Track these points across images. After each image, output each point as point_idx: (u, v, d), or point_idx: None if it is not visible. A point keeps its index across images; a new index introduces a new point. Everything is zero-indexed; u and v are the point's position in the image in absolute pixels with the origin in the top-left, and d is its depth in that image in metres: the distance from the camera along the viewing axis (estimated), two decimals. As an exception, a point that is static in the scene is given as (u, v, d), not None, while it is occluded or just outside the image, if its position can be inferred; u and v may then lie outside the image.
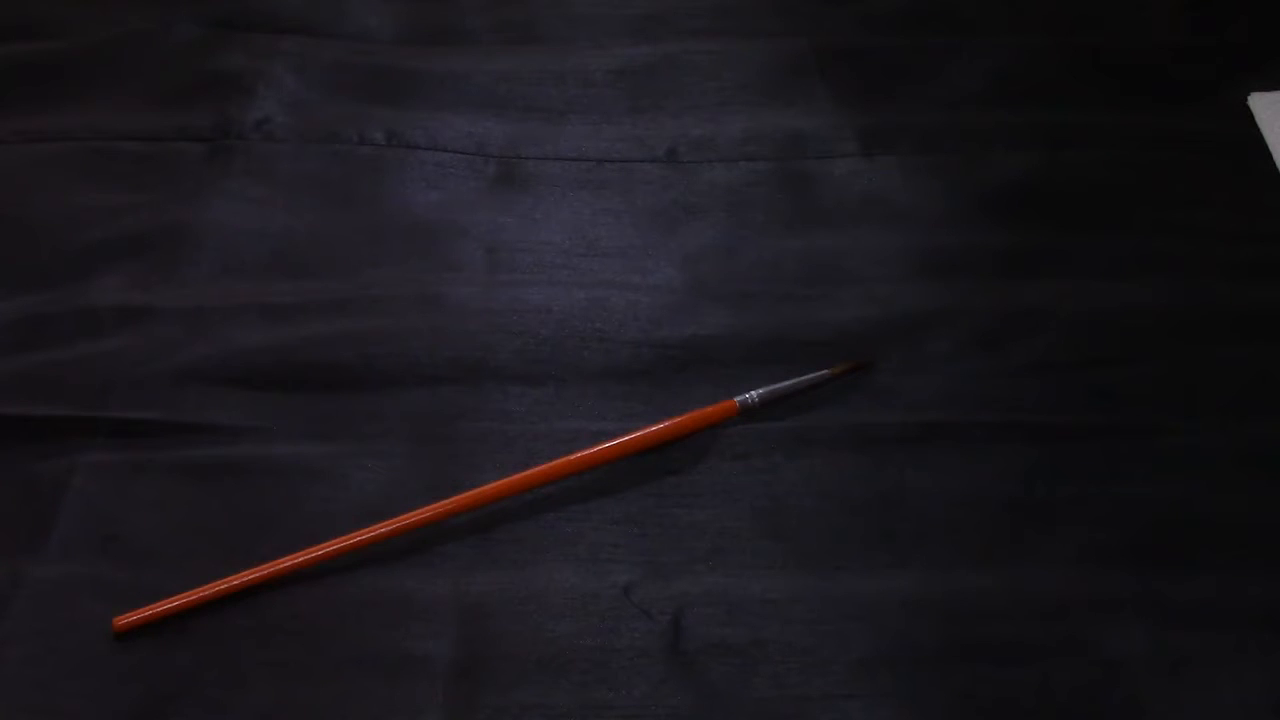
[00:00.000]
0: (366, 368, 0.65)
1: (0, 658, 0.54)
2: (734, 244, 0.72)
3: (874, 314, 0.68)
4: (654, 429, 0.62)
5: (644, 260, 0.71)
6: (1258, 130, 0.76)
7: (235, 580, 0.56)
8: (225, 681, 0.54)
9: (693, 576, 0.57)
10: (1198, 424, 0.62)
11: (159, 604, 0.55)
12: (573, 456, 0.61)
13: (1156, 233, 0.71)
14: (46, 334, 0.66)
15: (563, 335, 0.66)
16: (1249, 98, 0.78)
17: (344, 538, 0.57)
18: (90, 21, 0.84)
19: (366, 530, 0.58)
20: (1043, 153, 0.76)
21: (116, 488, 0.60)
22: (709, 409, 0.63)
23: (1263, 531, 0.59)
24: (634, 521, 0.59)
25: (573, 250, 0.71)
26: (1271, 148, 0.75)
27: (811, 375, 0.64)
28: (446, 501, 0.59)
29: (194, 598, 0.55)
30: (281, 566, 0.57)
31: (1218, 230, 0.71)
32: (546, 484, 0.60)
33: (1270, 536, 0.58)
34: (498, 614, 0.56)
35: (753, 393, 0.63)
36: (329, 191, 0.74)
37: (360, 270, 0.70)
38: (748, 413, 0.63)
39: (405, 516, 0.58)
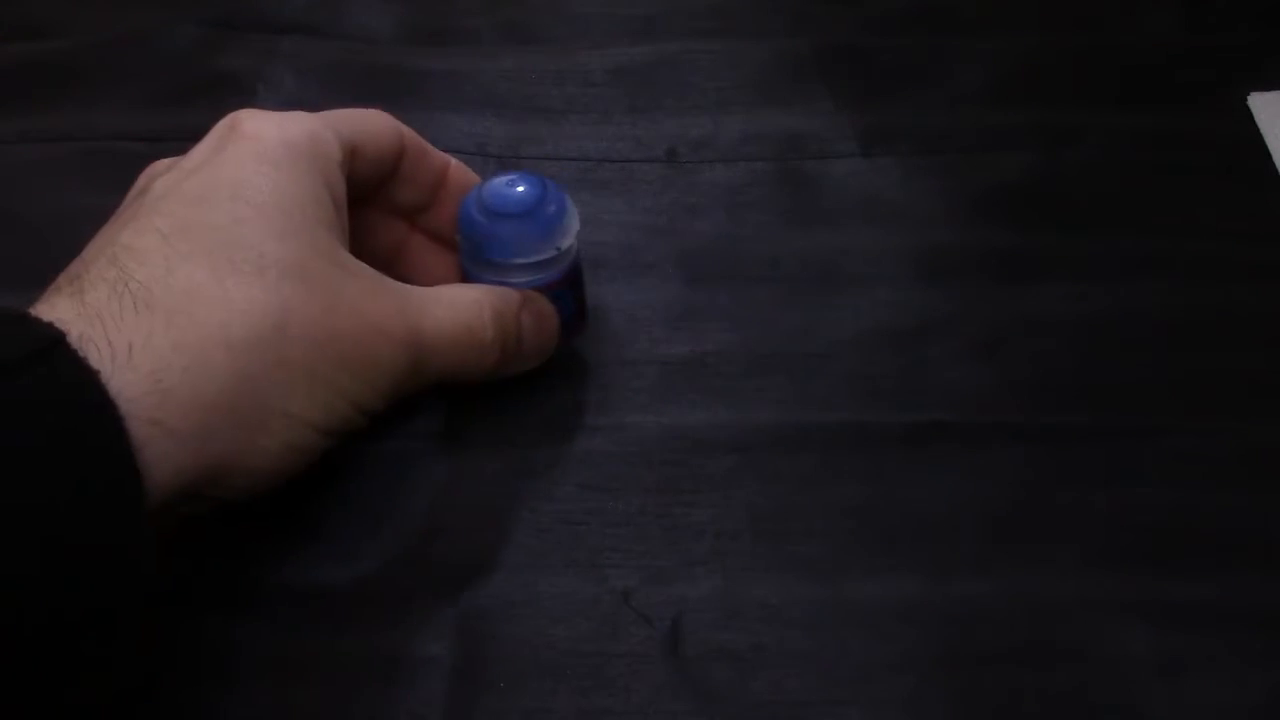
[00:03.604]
0: (366, 369, 0.65)
1: (1, 661, 0.54)
2: (734, 244, 0.71)
3: (874, 314, 0.67)
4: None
5: (644, 260, 0.71)
6: (1258, 130, 0.76)
7: (235, 583, 0.56)
8: (225, 681, 0.54)
9: (691, 580, 0.57)
10: (1198, 424, 0.62)
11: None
12: (572, 458, 0.61)
13: (1156, 233, 0.71)
14: (46, 336, 0.66)
15: (562, 336, 0.66)
16: (1249, 98, 0.78)
17: (344, 540, 0.58)
18: (90, 21, 0.84)
19: (367, 533, 0.58)
20: (1043, 153, 0.76)
21: (117, 490, 0.60)
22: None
23: (1263, 534, 0.59)
24: (633, 524, 0.59)
25: (572, 251, 0.71)
26: (1271, 148, 0.75)
27: None
28: (446, 504, 0.59)
29: (194, 601, 0.56)
30: (282, 569, 0.57)
31: (1217, 230, 0.71)
32: (546, 486, 0.60)
33: (1271, 539, 0.58)
34: (496, 618, 0.56)
35: None
36: (329, 192, 0.74)
37: (360, 271, 0.70)
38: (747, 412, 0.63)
39: (405, 519, 0.58)
